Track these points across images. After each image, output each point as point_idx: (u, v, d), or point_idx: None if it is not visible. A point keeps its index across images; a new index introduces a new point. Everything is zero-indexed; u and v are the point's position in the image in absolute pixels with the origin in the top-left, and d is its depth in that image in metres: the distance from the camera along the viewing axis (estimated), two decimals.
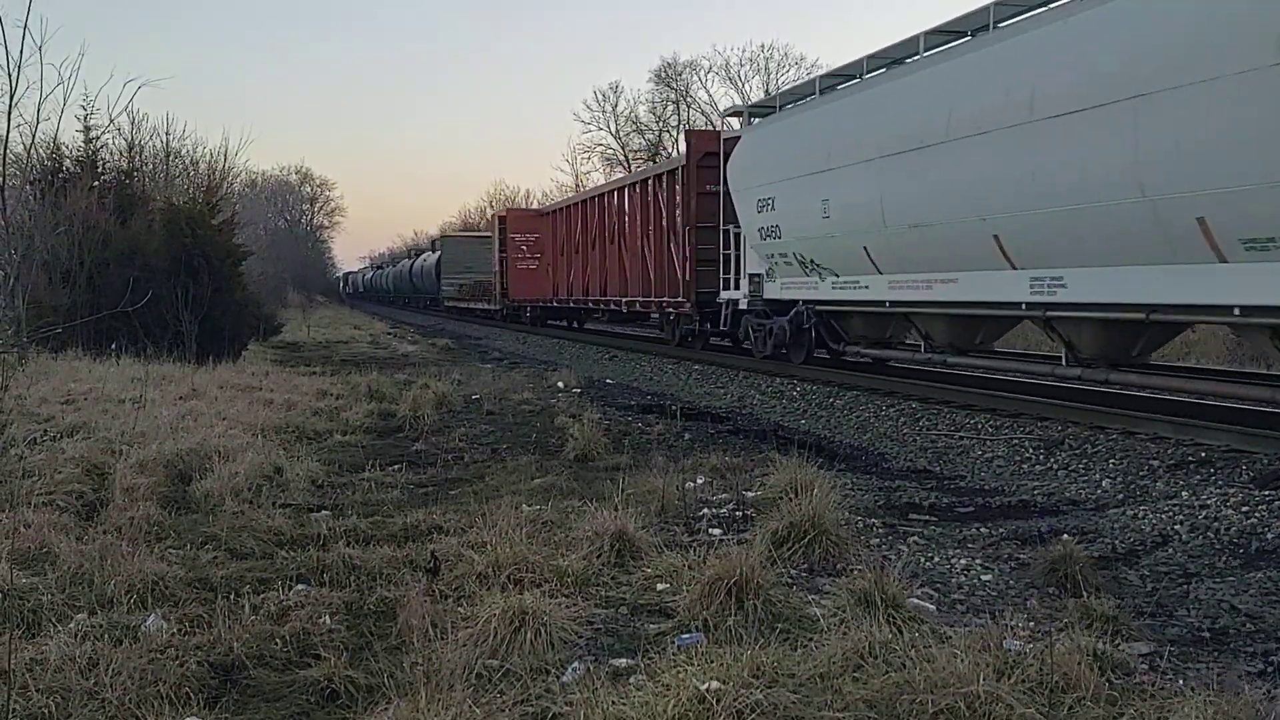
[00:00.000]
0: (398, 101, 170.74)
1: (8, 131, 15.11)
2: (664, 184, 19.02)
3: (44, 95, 31.30)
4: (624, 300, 21.54)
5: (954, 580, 4.94)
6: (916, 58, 10.96)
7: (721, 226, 15.72)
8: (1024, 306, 9.34)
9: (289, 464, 7.56)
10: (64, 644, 3.76)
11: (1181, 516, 6.09)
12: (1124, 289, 8.10)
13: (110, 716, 3.37)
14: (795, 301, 13.66)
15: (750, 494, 6.45)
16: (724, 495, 6.53)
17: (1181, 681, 3.51)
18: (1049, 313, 9.12)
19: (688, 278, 17.36)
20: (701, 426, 10.57)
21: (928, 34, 10.61)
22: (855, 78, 12.24)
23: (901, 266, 10.99)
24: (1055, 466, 8.01)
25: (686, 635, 3.94)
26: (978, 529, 6.06)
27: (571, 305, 26.46)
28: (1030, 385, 11.25)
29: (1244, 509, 6.05)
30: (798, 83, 13.70)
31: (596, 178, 56.74)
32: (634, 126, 59.04)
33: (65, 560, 4.85)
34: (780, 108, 14.18)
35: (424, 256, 54.94)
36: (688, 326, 18.30)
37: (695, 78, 57.19)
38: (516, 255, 30.45)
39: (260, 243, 39.98)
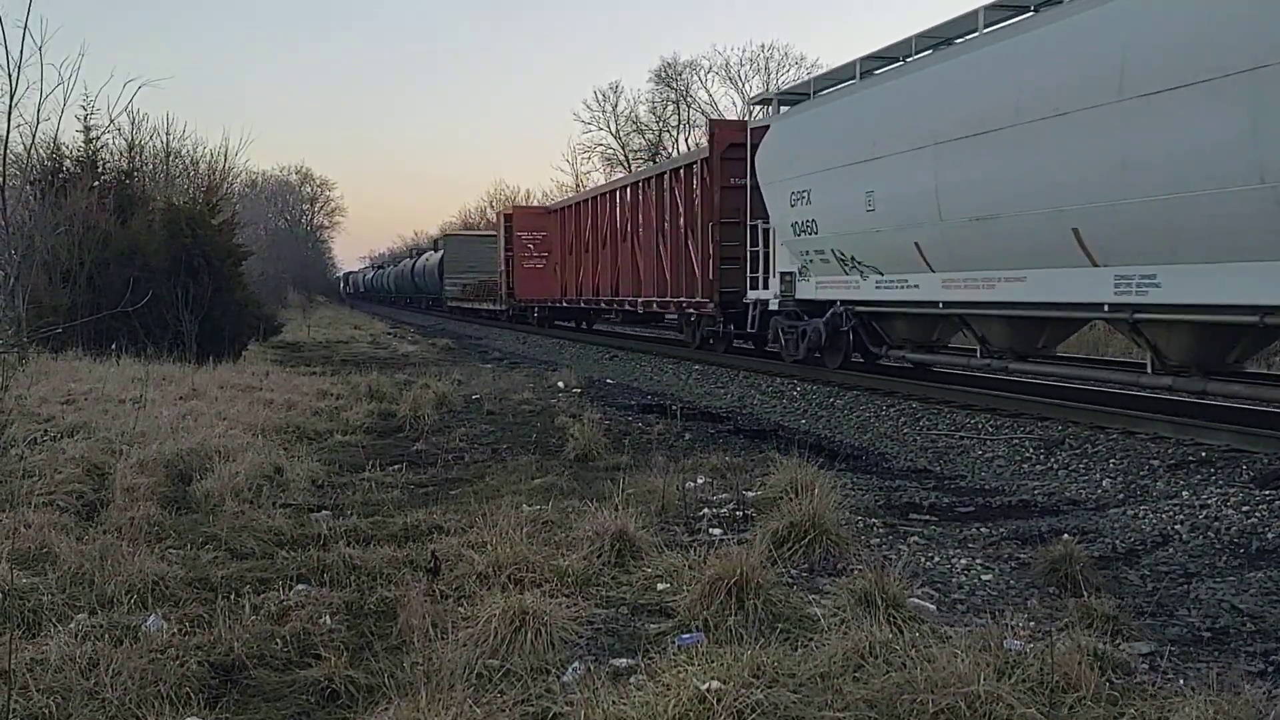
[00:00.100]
0: (398, 101, 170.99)
1: (8, 131, 15.15)
2: (681, 178, 18.30)
3: (44, 95, 31.28)
4: (639, 301, 20.76)
5: (954, 580, 4.93)
6: (974, 35, 10.01)
7: (749, 222, 14.77)
8: (1106, 308, 8.39)
9: (289, 464, 7.56)
10: (64, 644, 3.76)
11: (1182, 516, 6.09)
12: (1233, 288, 7.24)
13: (110, 716, 3.37)
14: (832, 302, 12.69)
15: (750, 494, 6.45)
16: (724, 495, 6.53)
17: (1182, 681, 3.51)
18: (1137, 315, 8.17)
19: (710, 277, 16.48)
20: (702, 426, 10.57)
21: (988, 9, 9.68)
22: (899, 59, 11.37)
23: (958, 264, 10.08)
24: (1055, 466, 8.00)
25: (687, 635, 3.94)
26: (978, 529, 6.06)
27: (582, 305, 25.75)
28: (1031, 385, 11.23)
29: (1244, 509, 6.05)
30: (832, 67, 12.79)
31: (596, 178, 56.85)
32: (634, 126, 59.20)
33: (65, 560, 4.85)
34: (814, 94, 13.15)
35: (426, 256, 54.11)
36: (710, 328, 17.44)
37: (695, 78, 57.33)
38: (523, 254, 29.68)
39: (260, 243, 39.99)
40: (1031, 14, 9.28)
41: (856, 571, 4.49)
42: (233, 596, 4.53)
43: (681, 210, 18.23)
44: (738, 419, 11.50)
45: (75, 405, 10.08)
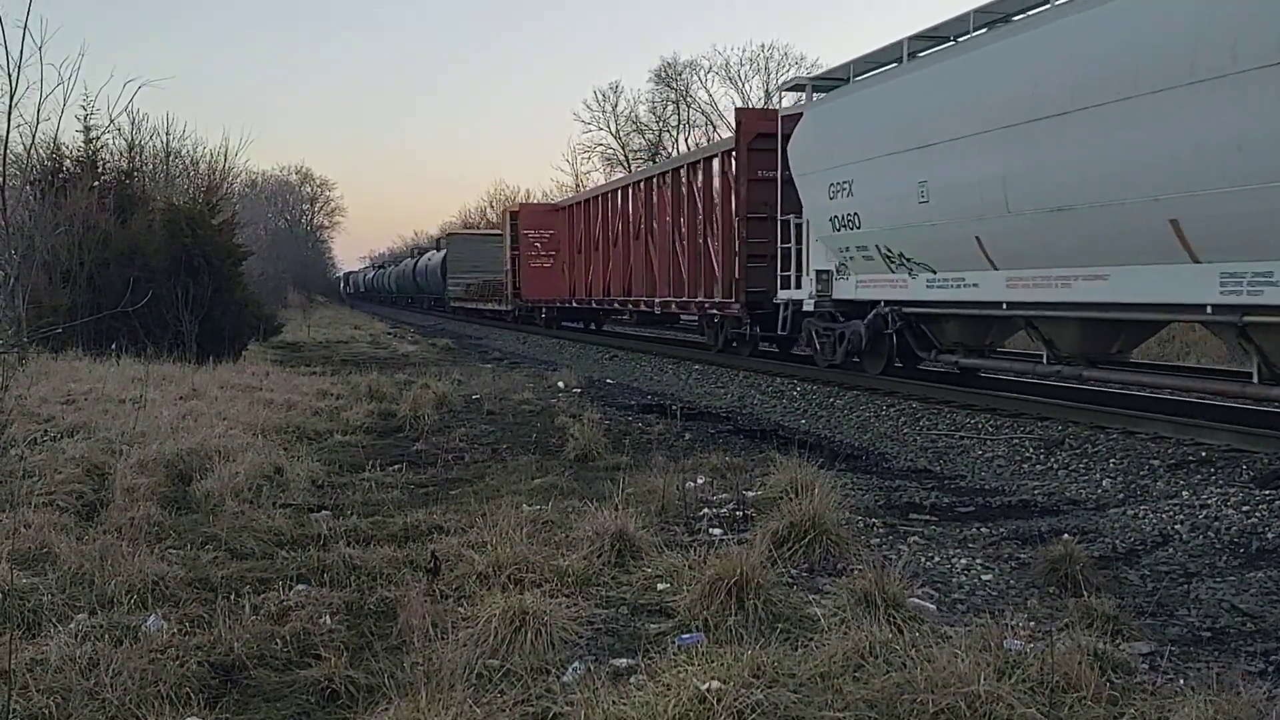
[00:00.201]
0: (398, 101, 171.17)
1: (8, 131, 15.16)
2: (700, 172, 17.47)
3: (44, 95, 31.47)
4: (657, 301, 19.77)
5: (954, 580, 4.93)
6: (1046, 8, 9.25)
7: (779, 217, 13.74)
8: (1210, 309, 7.52)
9: (289, 464, 7.56)
10: (64, 644, 3.76)
11: (1182, 516, 6.09)
12: None
13: (110, 716, 3.37)
14: (875, 303, 11.74)
15: (751, 494, 6.45)
16: (724, 495, 6.53)
17: (1182, 681, 3.51)
18: (1246, 318, 7.33)
19: (737, 276, 15.34)
20: (702, 426, 10.57)
21: None
22: (950, 39, 10.58)
23: (1027, 260, 9.21)
24: (1056, 466, 8.00)
25: (687, 635, 3.94)
26: (978, 529, 6.06)
27: (593, 306, 24.78)
28: (1031, 385, 11.22)
29: (1244, 508, 6.05)
30: (875, 49, 11.76)
31: (596, 177, 56.89)
32: (634, 126, 59.28)
33: (65, 560, 4.85)
34: (852, 78, 12.27)
35: (429, 255, 53.33)
36: (735, 330, 16.42)
37: (695, 78, 57.39)
38: (530, 253, 28.69)
39: (260, 243, 39.99)
40: None
41: (856, 571, 4.49)
42: (233, 596, 4.53)
43: (700, 206, 17.45)
44: (738, 419, 11.50)
45: (75, 405, 10.08)
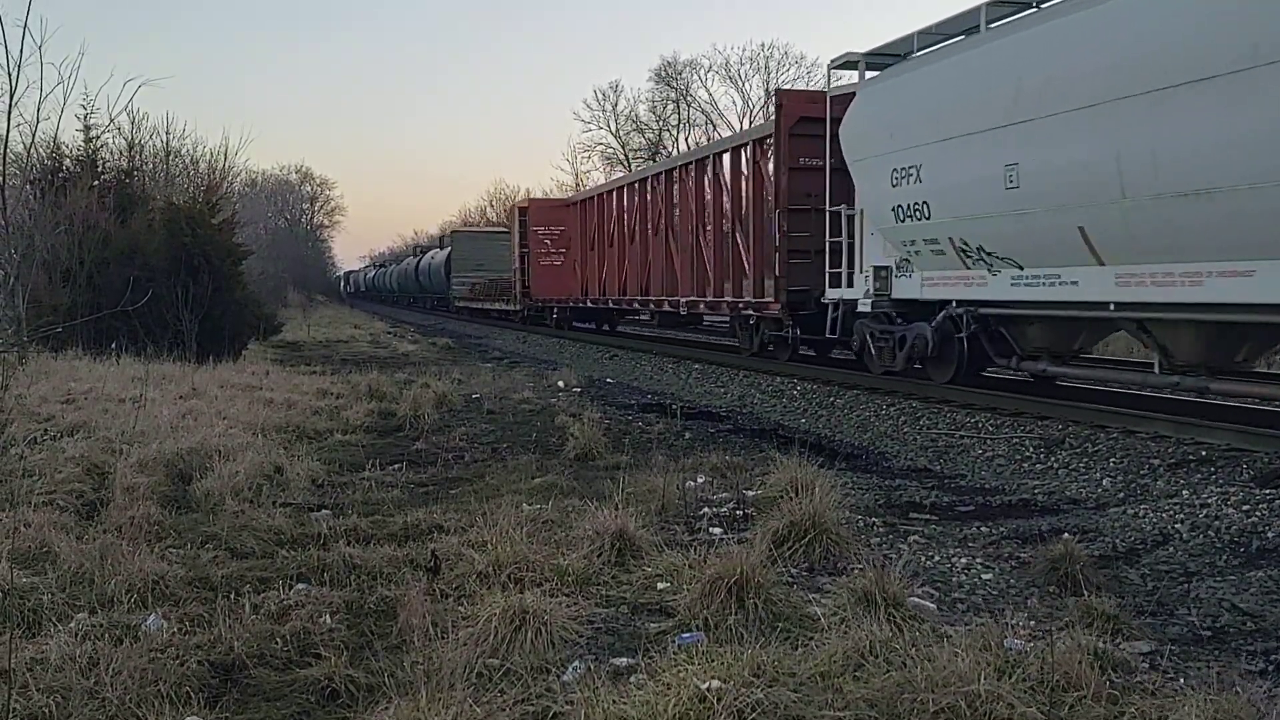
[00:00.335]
0: (398, 101, 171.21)
1: (8, 131, 15.13)
2: (728, 163, 16.43)
3: (44, 95, 31.49)
4: (683, 301, 18.54)
5: (954, 579, 4.93)
6: None
7: (828, 208, 12.49)
8: None
9: (289, 463, 7.56)
10: (64, 643, 3.76)
11: (1182, 515, 6.09)
12: None
13: (110, 716, 3.37)
14: (945, 302, 10.56)
15: (751, 493, 6.45)
16: (724, 494, 6.53)
17: (1182, 680, 3.51)
18: None
19: (778, 273, 13.99)
20: (702, 426, 10.57)
21: None
22: (1032, 5, 9.40)
23: (1144, 254, 8.01)
24: (1056, 465, 8.00)
25: (687, 634, 3.94)
26: (978, 528, 6.06)
27: (609, 306, 23.53)
28: (1029, 385, 11.21)
29: (1244, 508, 6.05)
30: (943, 19, 10.54)
31: (596, 177, 56.85)
32: (634, 125, 59.33)
33: (65, 560, 4.85)
34: (913, 52, 11.04)
35: (431, 254, 52.27)
36: (773, 332, 15.11)
37: (695, 77, 57.46)
38: (540, 250, 27.46)
39: (260, 242, 39.98)
40: None
41: (857, 571, 4.48)
42: (233, 596, 4.52)
43: (728, 198, 16.30)
44: (738, 418, 11.50)
45: (75, 404, 10.08)
